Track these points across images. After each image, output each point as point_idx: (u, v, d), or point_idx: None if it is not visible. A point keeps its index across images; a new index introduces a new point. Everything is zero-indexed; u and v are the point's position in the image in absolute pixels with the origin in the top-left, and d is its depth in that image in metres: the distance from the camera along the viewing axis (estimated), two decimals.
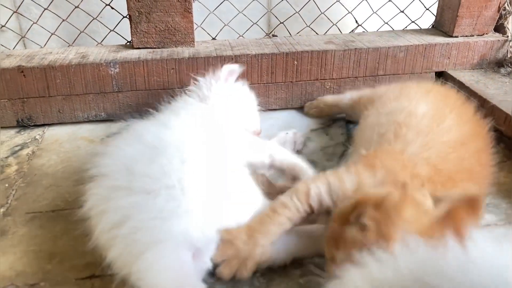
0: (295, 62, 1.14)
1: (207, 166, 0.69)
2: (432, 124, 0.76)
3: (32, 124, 1.13)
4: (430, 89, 0.89)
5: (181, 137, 0.73)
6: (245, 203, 0.70)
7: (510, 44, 1.19)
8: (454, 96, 0.89)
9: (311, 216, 0.70)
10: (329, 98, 1.14)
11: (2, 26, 1.21)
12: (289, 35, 1.28)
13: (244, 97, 0.99)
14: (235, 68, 0.97)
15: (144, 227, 0.62)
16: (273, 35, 1.29)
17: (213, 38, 1.26)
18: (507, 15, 1.20)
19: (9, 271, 0.72)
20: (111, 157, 0.72)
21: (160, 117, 0.83)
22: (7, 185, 0.93)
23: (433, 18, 1.31)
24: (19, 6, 1.22)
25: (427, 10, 1.30)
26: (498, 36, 1.22)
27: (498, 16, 1.21)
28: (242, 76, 1.01)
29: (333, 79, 1.18)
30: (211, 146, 0.73)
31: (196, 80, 0.96)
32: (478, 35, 1.22)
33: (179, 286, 0.60)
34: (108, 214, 0.65)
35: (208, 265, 0.66)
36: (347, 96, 1.08)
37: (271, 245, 0.67)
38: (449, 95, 0.88)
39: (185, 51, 1.14)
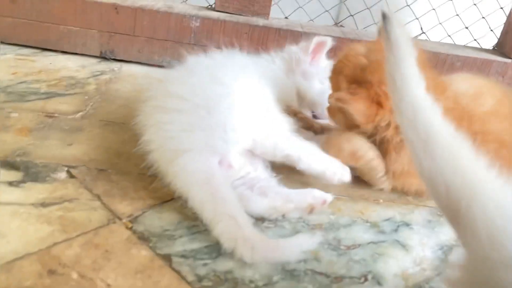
0: None
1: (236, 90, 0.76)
2: None
3: (112, 57, 1.26)
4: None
5: (218, 63, 0.81)
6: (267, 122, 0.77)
7: None
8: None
9: None
10: None
11: None
12: (356, 29, 1.37)
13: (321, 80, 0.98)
14: (326, 41, 0.95)
15: (175, 137, 0.72)
16: (341, 26, 1.38)
17: (286, 17, 1.37)
18: None
19: (83, 156, 0.83)
20: (160, 81, 0.83)
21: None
22: (86, 97, 1.05)
23: (495, 41, 1.37)
24: None
25: (491, 31, 1.37)
26: None
27: None
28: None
29: None
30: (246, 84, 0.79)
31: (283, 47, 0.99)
32: None
33: (207, 185, 0.68)
34: (149, 128, 0.76)
35: (234, 170, 0.74)
36: None
37: None
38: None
39: (259, 21, 1.25)
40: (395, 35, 0.48)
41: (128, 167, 0.82)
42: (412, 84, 0.46)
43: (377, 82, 0.77)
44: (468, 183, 0.39)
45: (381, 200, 0.85)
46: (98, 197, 0.73)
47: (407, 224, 0.79)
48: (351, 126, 0.81)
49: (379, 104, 0.77)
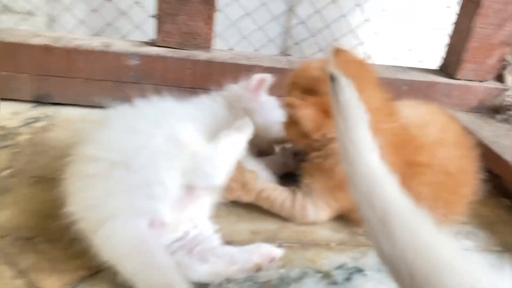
0: None
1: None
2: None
3: (48, 101, 1.19)
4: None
5: (140, 113, 0.75)
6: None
7: (507, 93, 1.26)
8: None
9: None
10: None
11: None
12: (302, 56, 1.35)
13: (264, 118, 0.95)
14: (266, 78, 0.93)
15: (96, 205, 0.65)
16: (287, 54, 1.36)
17: (230, 49, 1.33)
18: (507, 66, 1.27)
19: (9, 223, 0.76)
20: (80, 144, 0.75)
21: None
22: (17, 150, 0.97)
23: (438, 62, 1.38)
24: None
25: (435, 52, 1.38)
26: (497, 84, 1.29)
27: (499, 66, 1.29)
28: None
29: None
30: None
31: (223, 85, 0.96)
32: (479, 81, 1.29)
33: (137, 254, 0.62)
34: (69, 197, 0.69)
35: (166, 229, 0.67)
36: None
37: None
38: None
39: (202, 55, 1.21)
40: (344, 98, 0.44)
41: (58, 232, 0.74)
42: (366, 152, 0.42)
43: (327, 93, 0.76)
44: (434, 269, 0.35)
45: (333, 244, 0.82)
46: (24, 274, 0.66)
47: (360, 270, 0.76)
48: (302, 137, 0.82)
49: (327, 113, 0.77)
